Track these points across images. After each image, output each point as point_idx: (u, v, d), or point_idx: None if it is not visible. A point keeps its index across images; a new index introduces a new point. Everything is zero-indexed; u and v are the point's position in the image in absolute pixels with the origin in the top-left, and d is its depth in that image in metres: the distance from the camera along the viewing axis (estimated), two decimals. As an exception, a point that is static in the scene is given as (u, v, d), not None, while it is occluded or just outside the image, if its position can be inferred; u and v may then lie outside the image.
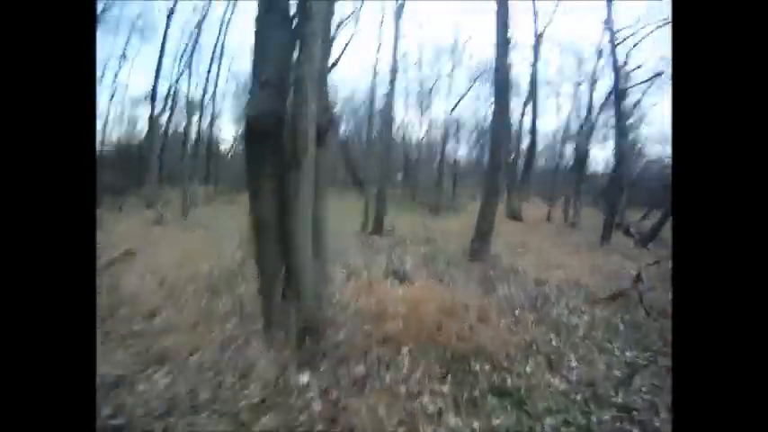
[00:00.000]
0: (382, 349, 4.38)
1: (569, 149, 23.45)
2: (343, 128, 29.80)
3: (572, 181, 22.49)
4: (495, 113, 9.63)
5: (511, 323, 5.82)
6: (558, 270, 9.35)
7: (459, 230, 13.93)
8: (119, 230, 10.84)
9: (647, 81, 17.43)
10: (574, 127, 23.84)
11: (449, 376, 4.03)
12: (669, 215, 13.18)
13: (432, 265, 9.25)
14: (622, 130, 15.48)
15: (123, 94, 24.38)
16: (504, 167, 10.30)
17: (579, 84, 23.50)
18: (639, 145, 24.17)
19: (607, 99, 19.32)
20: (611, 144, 19.84)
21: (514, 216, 18.79)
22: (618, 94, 15.31)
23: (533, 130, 24.38)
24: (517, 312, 6.43)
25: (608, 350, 5.16)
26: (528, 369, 4.33)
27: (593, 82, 21.73)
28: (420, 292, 6.83)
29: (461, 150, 32.44)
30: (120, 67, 22.66)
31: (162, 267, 6.87)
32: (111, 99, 22.89)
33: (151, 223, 12.95)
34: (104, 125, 22.05)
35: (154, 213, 14.38)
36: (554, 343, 5.22)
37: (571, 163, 23.15)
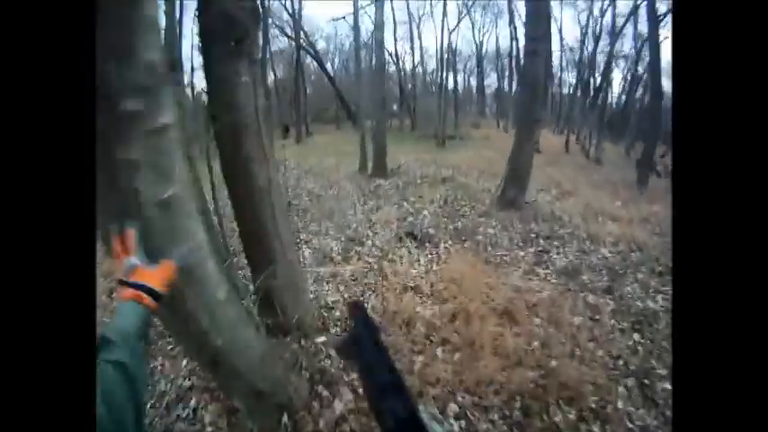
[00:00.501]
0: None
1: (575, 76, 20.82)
2: (328, 65, 28.70)
3: (583, 110, 20.47)
4: (529, 38, 7.26)
5: (592, 329, 3.96)
6: (611, 224, 7.45)
7: (475, 164, 11.90)
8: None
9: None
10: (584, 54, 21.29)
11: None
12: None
13: (457, 217, 7.14)
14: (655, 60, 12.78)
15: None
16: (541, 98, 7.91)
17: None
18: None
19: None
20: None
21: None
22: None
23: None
24: (590, 299, 4.53)
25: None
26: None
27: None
28: (452, 269, 4.81)
29: (459, 79, 30.13)
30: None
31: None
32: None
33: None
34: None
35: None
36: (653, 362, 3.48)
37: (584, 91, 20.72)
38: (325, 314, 3.84)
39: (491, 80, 36.12)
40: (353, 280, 4.59)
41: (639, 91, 23.71)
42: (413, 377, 3.11)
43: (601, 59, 21.44)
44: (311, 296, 4.06)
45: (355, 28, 13.73)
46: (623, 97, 25.58)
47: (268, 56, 17.58)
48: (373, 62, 14.75)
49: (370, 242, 5.83)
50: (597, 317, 4.18)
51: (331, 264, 5.11)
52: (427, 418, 1.07)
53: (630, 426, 2.82)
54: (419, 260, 5.32)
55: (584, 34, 22.01)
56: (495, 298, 4.14)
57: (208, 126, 2.24)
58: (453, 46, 26.04)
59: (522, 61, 22.18)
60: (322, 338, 3.39)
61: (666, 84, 16.44)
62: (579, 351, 3.53)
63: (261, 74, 2.14)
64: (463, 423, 2.76)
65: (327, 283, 4.55)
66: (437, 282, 4.57)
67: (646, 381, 3.21)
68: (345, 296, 4.24)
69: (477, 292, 4.20)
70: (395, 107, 28.05)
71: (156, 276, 1.09)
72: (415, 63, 28.20)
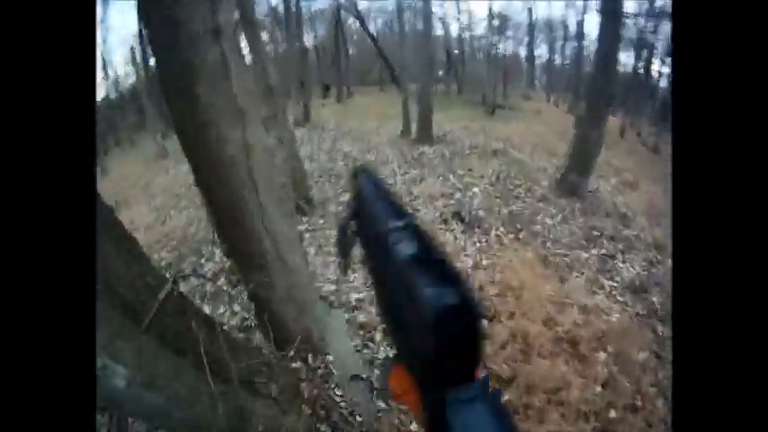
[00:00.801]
0: None
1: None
2: (371, 25, 26.63)
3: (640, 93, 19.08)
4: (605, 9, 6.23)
5: (656, 370, 3.41)
6: None
7: (527, 138, 10.93)
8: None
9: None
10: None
11: None
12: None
13: (511, 198, 6.33)
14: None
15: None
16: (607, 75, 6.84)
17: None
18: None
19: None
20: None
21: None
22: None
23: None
24: (659, 329, 3.94)
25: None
26: None
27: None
28: (507, 269, 4.11)
29: (508, 46, 28.34)
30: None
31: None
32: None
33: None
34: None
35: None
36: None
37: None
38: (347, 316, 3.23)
39: (541, 51, 34.36)
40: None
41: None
42: None
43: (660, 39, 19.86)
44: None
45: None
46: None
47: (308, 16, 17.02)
48: (419, 23, 13.90)
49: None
50: (663, 353, 3.65)
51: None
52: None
53: None
54: (466, 249, 4.61)
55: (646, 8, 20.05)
56: (560, 321, 3.43)
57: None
58: (503, 12, 24.82)
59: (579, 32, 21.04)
60: (331, 357, 2.74)
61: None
62: (640, 400, 3.08)
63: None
64: None
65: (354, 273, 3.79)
66: (487, 284, 3.87)
67: None
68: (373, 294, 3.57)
69: (539, 308, 3.50)
70: (440, 72, 26.69)
71: None
72: (462, 27, 26.56)
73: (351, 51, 27.86)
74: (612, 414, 2.91)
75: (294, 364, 2.50)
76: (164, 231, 5.67)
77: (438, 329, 0.40)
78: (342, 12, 22.06)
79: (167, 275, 1.49)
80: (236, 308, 3.72)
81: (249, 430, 1.63)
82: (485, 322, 0.45)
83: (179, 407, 1.22)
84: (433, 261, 0.45)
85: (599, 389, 3.06)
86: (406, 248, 0.47)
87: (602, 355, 3.35)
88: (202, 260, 4.73)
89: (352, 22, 27.63)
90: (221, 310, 3.78)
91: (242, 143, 1.35)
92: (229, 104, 1.28)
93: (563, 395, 2.90)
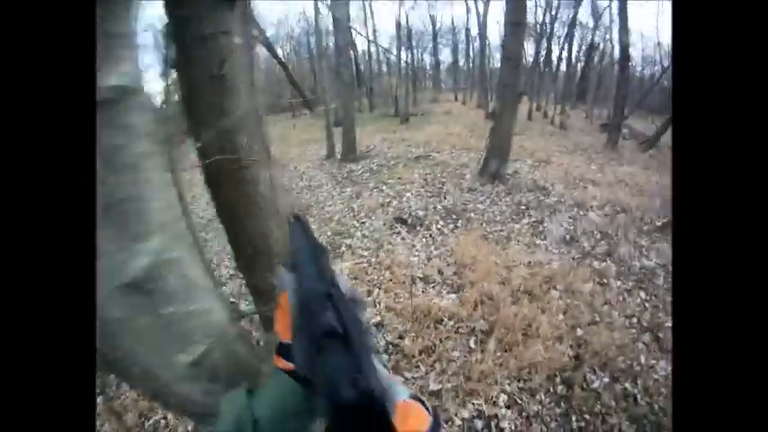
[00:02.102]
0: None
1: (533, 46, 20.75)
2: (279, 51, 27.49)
3: (542, 78, 20.69)
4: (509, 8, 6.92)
5: (603, 293, 4.15)
6: (592, 188, 7.54)
7: (444, 139, 11.56)
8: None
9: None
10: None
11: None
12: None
13: (442, 195, 6.82)
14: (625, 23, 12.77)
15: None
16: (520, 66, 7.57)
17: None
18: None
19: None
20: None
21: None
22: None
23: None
24: (595, 265, 4.67)
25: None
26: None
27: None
28: (458, 252, 4.57)
29: (414, 55, 30.65)
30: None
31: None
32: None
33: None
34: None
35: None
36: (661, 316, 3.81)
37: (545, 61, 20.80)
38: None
39: (444, 55, 36.27)
40: (354, 278, 4.21)
41: (595, 59, 24.52)
42: (456, 377, 2.98)
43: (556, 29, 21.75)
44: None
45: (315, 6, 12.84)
46: (578, 65, 25.88)
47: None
48: (330, 43, 14.05)
49: (359, 233, 5.44)
50: (605, 281, 4.34)
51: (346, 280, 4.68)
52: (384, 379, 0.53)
53: (656, 377, 3.09)
54: (416, 246, 4.99)
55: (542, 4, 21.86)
56: (512, 278, 3.93)
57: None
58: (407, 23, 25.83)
59: (481, 34, 22.38)
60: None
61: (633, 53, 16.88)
62: (598, 316, 3.69)
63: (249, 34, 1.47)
64: (515, 411, 2.77)
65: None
66: (445, 267, 4.28)
67: (660, 334, 3.52)
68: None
69: (493, 274, 3.97)
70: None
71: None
72: (369, 41, 27.38)
73: (259, 80, 27.58)
74: (579, 332, 3.46)
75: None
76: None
77: (335, 422, 0.44)
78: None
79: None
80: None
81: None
82: (392, 403, 0.48)
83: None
84: (346, 338, 0.49)
85: (561, 316, 3.62)
86: (325, 320, 0.50)
87: (554, 293, 3.93)
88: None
89: (258, 50, 27.47)
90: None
91: (269, 180, 1.57)
92: (262, 148, 1.51)
93: (534, 328, 3.41)
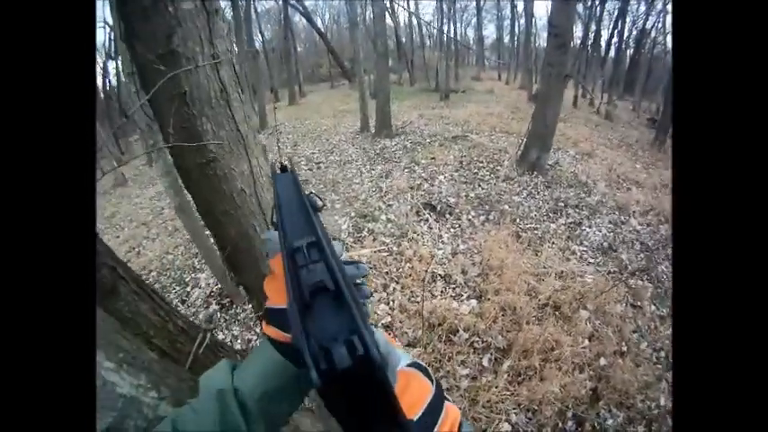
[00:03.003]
0: None
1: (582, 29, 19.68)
2: (318, 21, 27.08)
3: (590, 64, 19.71)
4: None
5: (635, 318, 3.80)
6: (636, 190, 7.01)
7: (484, 120, 11.03)
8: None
9: None
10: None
11: None
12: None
13: (476, 182, 6.46)
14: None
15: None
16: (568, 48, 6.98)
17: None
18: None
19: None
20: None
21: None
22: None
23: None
24: (631, 282, 4.27)
25: None
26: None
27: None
28: (485, 250, 4.27)
29: (457, 30, 29.17)
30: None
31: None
32: None
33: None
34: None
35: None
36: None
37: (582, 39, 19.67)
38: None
39: (488, 31, 35.03)
40: (371, 267, 3.97)
41: (647, 47, 23.07)
42: (458, 397, 2.79)
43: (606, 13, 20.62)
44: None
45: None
46: (628, 53, 24.50)
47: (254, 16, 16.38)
48: (368, 14, 13.61)
49: (384, 217, 5.18)
50: (639, 303, 4.00)
51: (342, 247, 4.45)
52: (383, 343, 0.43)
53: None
54: (442, 237, 4.71)
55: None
56: (541, 290, 3.62)
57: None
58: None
59: (528, 10, 21.41)
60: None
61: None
62: (625, 345, 3.42)
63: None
64: None
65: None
66: (470, 266, 3.99)
67: None
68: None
69: (520, 282, 3.67)
70: (391, 62, 26.68)
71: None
72: (410, 14, 26.57)
73: (299, 49, 27.45)
74: (603, 362, 3.18)
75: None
76: (141, 263, 5.47)
77: (325, 392, 0.38)
78: (288, 10, 21.58)
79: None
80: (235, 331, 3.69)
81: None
82: (392, 371, 0.46)
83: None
84: (339, 294, 0.43)
85: (587, 342, 3.31)
86: (312, 274, 0.45)
87: (583, 314, 3.60)
88: (188, 288, 4.64)
89: (298, 20, 27.21)
90: (220, 336, 3.69)
91: (249, 174, 1.32)
92: (234, 136, 1.26)
93: (556, 353, 3.13)
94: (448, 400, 0.51)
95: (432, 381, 0.53)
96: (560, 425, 2.70)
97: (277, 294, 0.59)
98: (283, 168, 0.66)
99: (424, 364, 0.56)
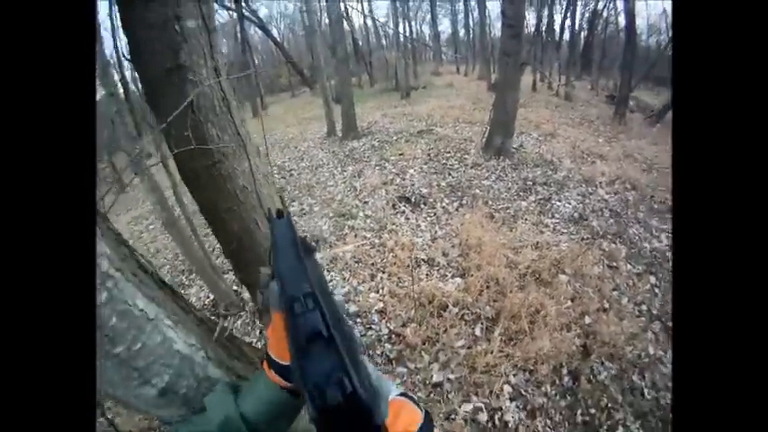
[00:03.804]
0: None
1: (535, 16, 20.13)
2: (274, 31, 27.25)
3: (545, 48, 20.22)
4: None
5: (613, 277, 4.04)
6: (600, 163, 7.31)
7: (447, 113, 11.23)
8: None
9: None
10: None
11: None
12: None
13: (446, 171, 6.64)
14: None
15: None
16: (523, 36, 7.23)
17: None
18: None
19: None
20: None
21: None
22: None
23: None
24: (604, 246, 4.51)
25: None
26: None
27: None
28: (462, 233, 4.43)
29: (413, 28, 29.94)
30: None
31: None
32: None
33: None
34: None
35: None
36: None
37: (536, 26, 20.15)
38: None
39: (444, 26, 35.54)
40: (357, 262, 4.10)
41: (599, 27, 23.77)
42: (460, 367, 2.91)
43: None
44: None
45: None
46: (582, 35, 25.22)
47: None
48: (324, 19, 13.56)
49: (362, 213, 5.31)
50: (614, 264, 4.22)
51: (326, 246, 4.58)
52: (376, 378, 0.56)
53: (665, 370, 3.00)
54: (420, 226, 4.87)
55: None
56: (520, 261, 3.81)
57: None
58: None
59: (478, 2, 21.79)
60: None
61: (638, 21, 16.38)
62: (607, 303, 3.60)
63: (209, 15, 1.30)
64: (520, 403, 2.73)
65: (329, 272, 4.02)
66: (450, 249, 4.16)
67: (669, 323, 3.39)
68: (354, 284, 3.76)
69: (499, 256, 3.85)
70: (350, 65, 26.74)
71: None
72: (364, 15, 26.74)
73: (257, 62, 27.26)
74: (587, 320, 3.38)
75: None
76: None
77: (323, 425, 0.45)
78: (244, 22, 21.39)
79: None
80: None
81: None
82: (384, 402, 0.51)
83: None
84: (331, 339, 0.49)
85: (569, 302, 3.52)
86: (309, 322, 0.50)
87: (563, 278, 3.82)
88: (184, 291, 4.67)
89: (253, 32, 27.03)
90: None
91: (249, 172, 1.44)
92: (235, 139, 1.39)
93: (542, 315, 3.31)
94: (435, 426, 0.58)
95: (421, 409, 0.57)
96: (557, 381, 2.87)
97: (278, 346, 0.66)
98: (279, 213, 0.70)
99: (413, 395, 0.61)
